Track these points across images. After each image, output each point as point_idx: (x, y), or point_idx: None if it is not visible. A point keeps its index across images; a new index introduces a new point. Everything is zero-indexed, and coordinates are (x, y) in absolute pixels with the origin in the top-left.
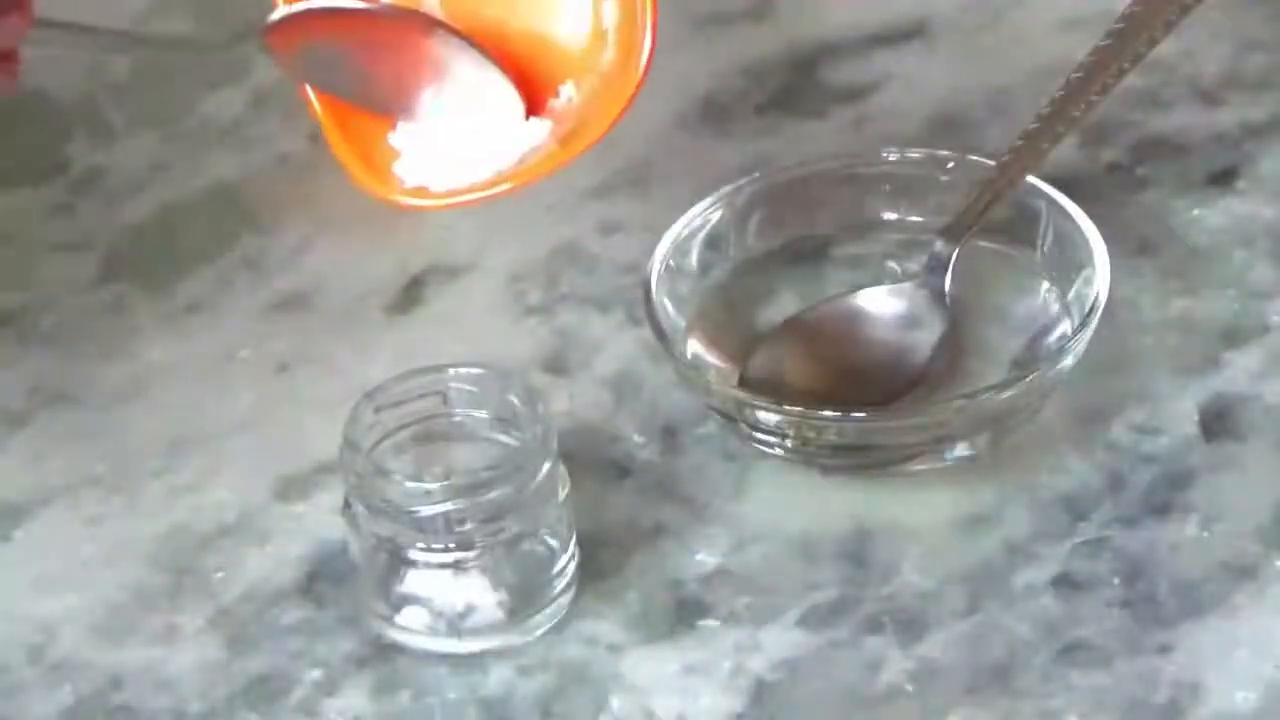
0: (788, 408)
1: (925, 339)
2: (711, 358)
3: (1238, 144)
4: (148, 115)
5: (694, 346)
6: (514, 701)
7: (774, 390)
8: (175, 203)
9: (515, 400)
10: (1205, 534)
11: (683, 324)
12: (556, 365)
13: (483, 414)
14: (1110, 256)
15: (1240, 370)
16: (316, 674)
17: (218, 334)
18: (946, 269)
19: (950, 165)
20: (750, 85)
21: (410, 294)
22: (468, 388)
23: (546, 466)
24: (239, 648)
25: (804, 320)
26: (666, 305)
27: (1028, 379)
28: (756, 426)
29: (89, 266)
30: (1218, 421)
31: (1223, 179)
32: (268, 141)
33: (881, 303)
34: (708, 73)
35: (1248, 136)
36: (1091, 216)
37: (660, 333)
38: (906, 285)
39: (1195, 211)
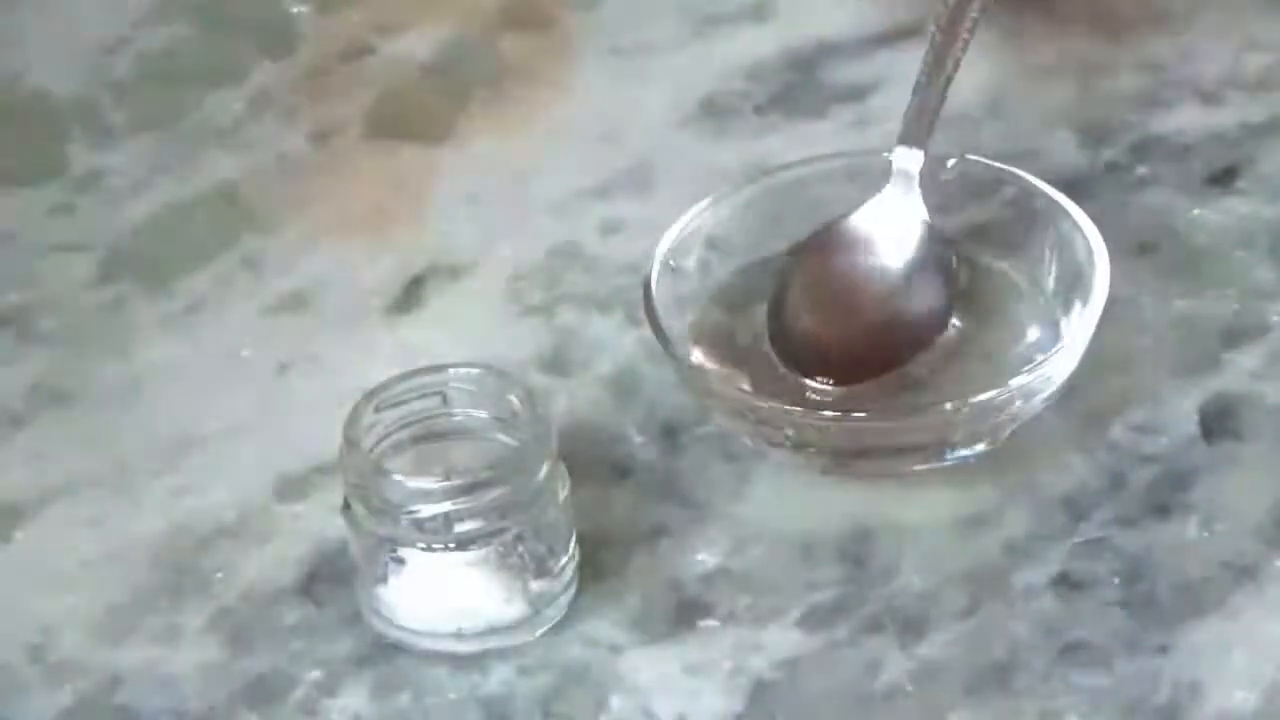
0: (788, 408)
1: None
2: (711, 358)
3: (1238, 144)
4: (148, 115)
5: (694, 347)
6: (514, 701)
7: (806, 363)
8: (175, 203)
9: (515, 400)
10: (1205, 534)
11: (683, 324)
12: (556, 365)
13: (483, 414)
14: (1110, 256)
15: (1240, 370)
16: (316, 674)
17: (218, 334)
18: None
19: (950, 165)
20: (750, 85)
21: (410, 294)
22: (468, 388)
23: (546, 466)
24: (239, 648)
25: (809, 279)
26: (667, 305)
27: (1027, 380)
28: (758, 425)
29: (89, 266)
30: (1218, 421)
31: (1223, 179)
32: (268, 141)
33: (877, 249)
34: (708, 73)
35: (1248, 136)
36: (1091, 216)
37: (660, 333)
38: (886, 210)
39: (1195, 211)
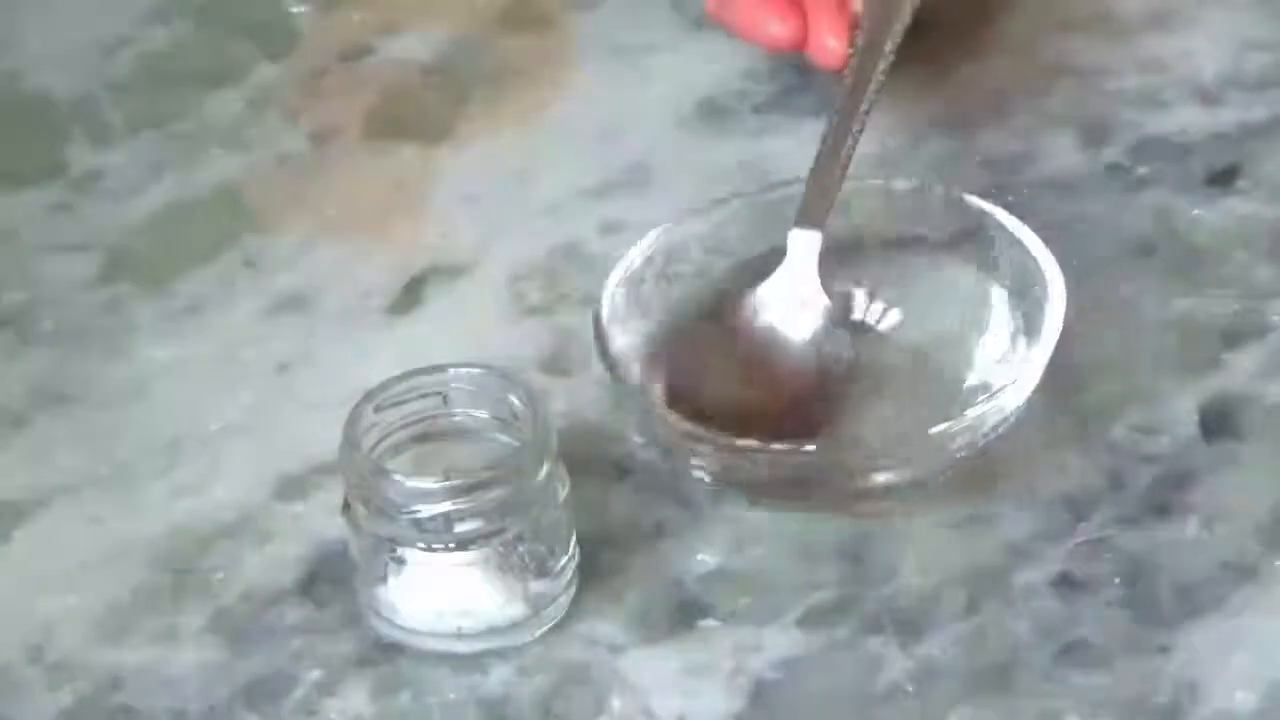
0: (739, 443)
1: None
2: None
3: (1238, 144)
4: (148, 115)
5: (645, 378)
6: (514, 701)
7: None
8: (175, 203)
9: (515, 400)
10: (1205, 534)
11: (638, 355)
12: (556, 365)
13: (483, 414)
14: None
15: (1240, 370)
16: (316, 674)
17: (218, 334)
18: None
19: (909, 189)
20: (750, 85)
21: (410, 294)
22: (468, 388)
23: (546, 466)
24: (239, 648)
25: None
26: (619, 337)
27: (983, 411)
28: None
29: (89, 266)
30: (1218, 421)
31: (1223, 179)
32: (268, 141)
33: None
34: (708, 73)
35: (1248, 136)
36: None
37: (611, 364)
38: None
39: (1195, 211)
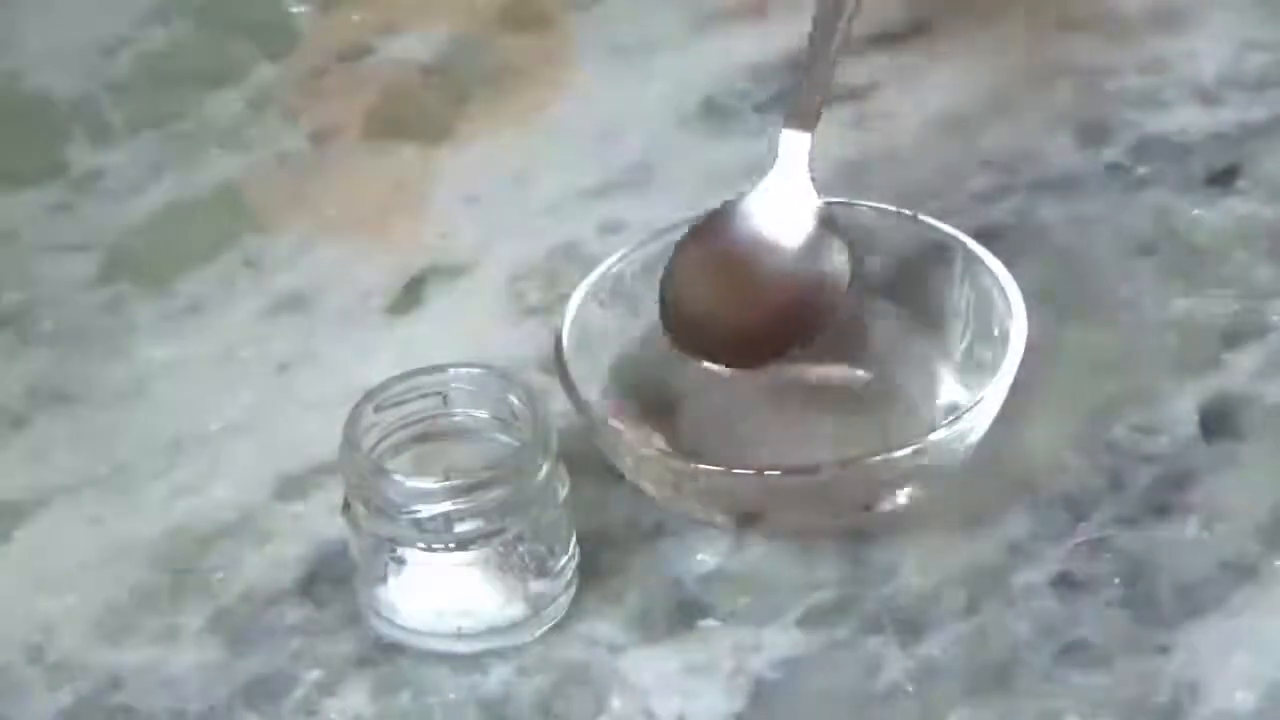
0: (702, 467)
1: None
2: (628, 420)
3: (1238, 144)
4: (148, 115)
5: (612, 409)
6: (514, 701)
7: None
8: (175, 203)
9: (515, 400)
10: (1205, 534)
11: (600, 386)
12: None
13: (483, 414)
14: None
15: (1240, 370)
16: (316, 674)
17: (218, 334)
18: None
19: (869, 210)
20: (750, 85)
21: (410, 294)
22: (468, 388)
23: (546, 466)
24: (239, 648)
25: (700, 263)
26: (580, 369)
27: (945, 435)
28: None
29: (89, 266)
30: (1218, 421)
31: (1223, 179)
32: (268, 141)
33: (770, 233)
34: (708, 73)
35: (1248, 136)
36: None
37: (571, 388)
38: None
39: (1195, 211)
